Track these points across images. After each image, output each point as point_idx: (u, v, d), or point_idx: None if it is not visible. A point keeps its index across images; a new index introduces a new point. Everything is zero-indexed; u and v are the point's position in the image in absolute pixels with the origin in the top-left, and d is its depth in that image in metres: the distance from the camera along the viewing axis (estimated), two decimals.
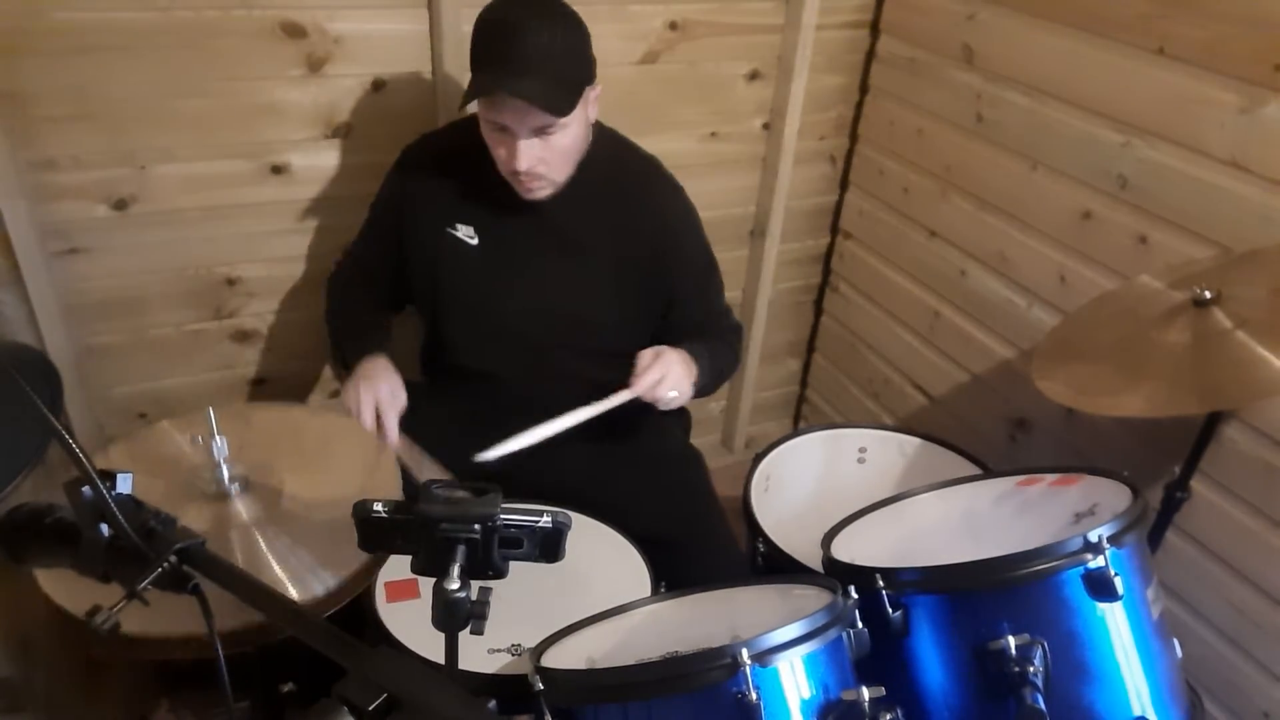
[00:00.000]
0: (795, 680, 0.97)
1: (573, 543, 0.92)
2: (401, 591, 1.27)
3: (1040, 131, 1.71)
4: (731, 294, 2.25)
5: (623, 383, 1.38)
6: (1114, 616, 1.04)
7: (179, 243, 1.67)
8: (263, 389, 1.89)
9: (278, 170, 1.68)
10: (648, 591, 1.31)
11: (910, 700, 1.11)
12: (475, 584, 0.87)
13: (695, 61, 1.92)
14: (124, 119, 1.53)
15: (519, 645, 1.21)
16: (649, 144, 1.57)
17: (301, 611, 0.78)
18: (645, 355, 1.39)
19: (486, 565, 0.88)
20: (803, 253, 2.35)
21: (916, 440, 1.69)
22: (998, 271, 1.87)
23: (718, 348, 1.57)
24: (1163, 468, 1.50)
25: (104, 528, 0.79)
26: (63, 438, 0.75)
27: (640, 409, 1.68)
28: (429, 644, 1.15)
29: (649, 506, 1.53)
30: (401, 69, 1.68)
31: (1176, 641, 1.11)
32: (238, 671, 0.89)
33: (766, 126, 2.08)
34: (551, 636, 1.16)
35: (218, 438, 1.15)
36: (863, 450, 1.73)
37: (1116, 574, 1.01)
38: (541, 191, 1.39)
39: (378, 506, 0.88)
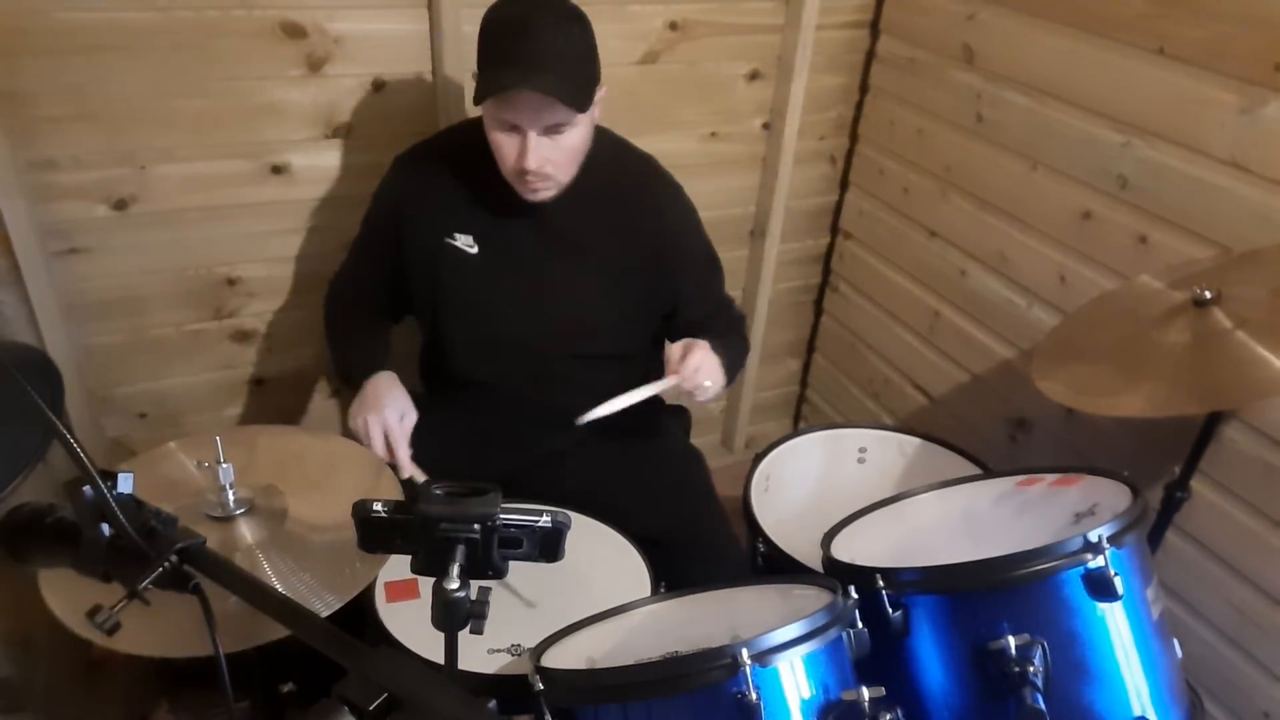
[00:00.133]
0: (795, 680, 0.97)
1: (573, 543, 0.92)
2: (401, 591, 1.27)
3: (1040, 131, 1.71)
4: (732, 294, 2.25)
5: (656, 372, 1.38)
6: (1114, 616, 1.04)
7: (179, 243, 1.67)
8: (263, 389, 1.89)
9: (278, 170, 1.68)
10: (648, 591, 1.31)
11: (910, 700, 1.11)
12: (475, 584, 0.87)
13: (695, 61, 1.92)
14: (124, 119, 1.53)
15: (519, 645, 1.21)
16: (649, 144, 1.57)
17: (301, 611, 0.78)
18: (676, 348, 1.38)
19: (486, 565, 0.88)
20: (803, 253, 2.35)
21: (916, 440, 1.69)
22: (998, 271, 1.87)
23: (730, 339, 1.57)
24: (1163, 468, 1.50)
25: (105, 527, 0.80)
26: (64, 437, 0.75)
27: (640, 409, 1.69)
28: (429, 644, 1.15)
29: (649, 506, 1.53)
30: (401, 69, 1.68)
31: (1176, 641, 1.11)
32: (238, 671, 0.89)
33: (766, 126, 2.08)
34: (551, 636, 1.16)
35: (224, 463, 1.16)
36: (863, 450, 1.73)
37: (1116, 574, 1.01)
38: (546, 192, 1.38)
39: (377, 506, 0.88)
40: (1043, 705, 0.99)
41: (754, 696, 0.92)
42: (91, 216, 1.59)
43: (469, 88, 1.71)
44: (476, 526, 0.86)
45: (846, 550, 1.25)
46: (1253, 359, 1.17)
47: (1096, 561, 1.02)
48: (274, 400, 1.91)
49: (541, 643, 1.14)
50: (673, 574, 1.35)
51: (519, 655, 1.20)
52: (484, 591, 0.89)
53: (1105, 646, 1.04)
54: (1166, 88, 1.48)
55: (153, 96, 1.53)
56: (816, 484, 1.70)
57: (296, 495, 1.24)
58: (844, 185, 2.28)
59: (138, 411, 1.80)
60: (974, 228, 1.91)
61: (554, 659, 1.11)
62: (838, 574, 1.18)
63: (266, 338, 1.84)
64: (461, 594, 0.85)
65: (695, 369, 1.35)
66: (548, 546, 0.90)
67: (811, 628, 0.99)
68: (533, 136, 1.29)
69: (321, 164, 1.71)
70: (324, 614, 1.06)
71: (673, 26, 1.86)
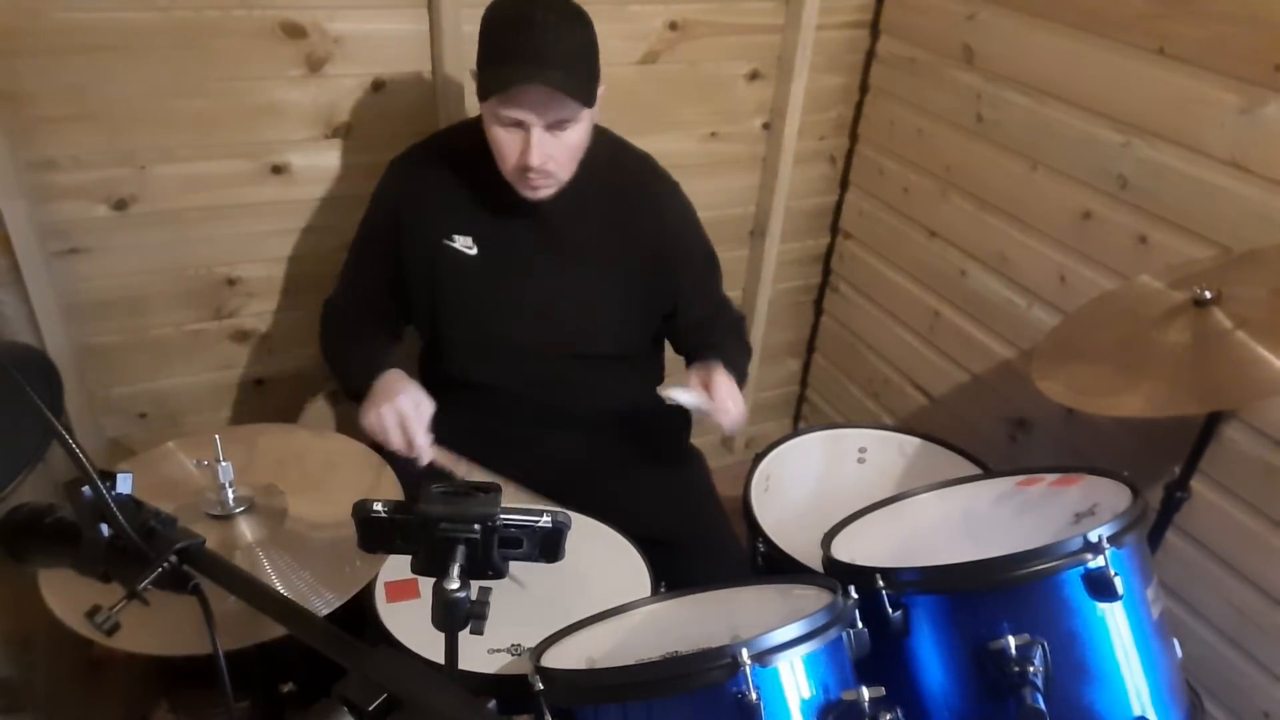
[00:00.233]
0: (795, 680, 0.97)
1: (573, 543, 0.92)
2: (401, 591, 1.27)
3: (1040, 131, 1.71)
4: (731, 294, 2.25)
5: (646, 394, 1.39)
6: (1114, 616, 1.04)
7: (179, 243, 1.67)
8: (262, 389, 1.89)
9: (278, 170, 1.68)
10: (648, 591, 1.31)
11: (910, 700, 1.11)
12: (475, 584, 0.87)
13: (695, 61, 1.92)
14: (124, 119, 1.53)
15: (519, 645, 1.21)
16: (649, 144, 1.57)
17: (301, 611, 0.78)
18: (696, 374, 1.37)
19: (486, 565, 0.88)
20: (803, 253, 2.35)
21: (916, 440, 1.69)
22: (998, 271, 1.87)
23: (735, 350, 1.58)
24: (1163, 468, 1.50)
25: (104, 528, 0.80)
26: (63, 438, 0.75)
27: (639, 408, 1.69)
28: (429, 644, 1.15)
29: (649, 506, 1.53)
30: (401, 69, 1.68)
31: (1176, 641, 1.11)
32: (238, 671, 0.89)
33: (766, 126, 2.08)
34: (551, 636, 1.16)
35: (223, 461, 1.16)
36: (863, 450, 1.72)
37: (1116, 574, 1.01)
38: (546, 190, 1.38)
39: (377, 506, 0.88)
40: (1043, 705, 0.99)
41: (754, 696, 0.92)
42: (91, 216, 1.59)
43: (469, 87, 1.72)
44: (476, 526, 0.86)
45: (846, 550, 1.25)
46: (1253, 359, 1.17)
47: (1096, 561, 1.02)
48: (274, 400, 1.91)
49: (541, 643, 1.14)
50: (673, 574, 1.35)
51: (519, 655, 1.20)
52: (484, 591, 0.88)
53: (1105, 646, 1.04)
54: (1166, 88, 1.47)
55: (153, 96, 1.53)
56: (816, 484, 1.70)
57: (296, 494, 1.24)
58: (844, 185, 2.28)
59: (137, 411, 1.80)
60: (974, 228, 1.91)
61: (554, 659, 1.11)
62: (838, 574, 1.18)
63: (266, 338, 1.84)
64: (461, 594, 0.85)
65: (725, 397, 1.36)
66: (548, 546, 0.90)
67: (811, 628, 0.98)
68: (536, 133, 1.29)
69: (321, 164, 1.71)
70: (323, 613, 1.06)
71: (673, 26, 1.86)
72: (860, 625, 1.07)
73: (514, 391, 1.54)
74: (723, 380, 1.37)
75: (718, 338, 1.58)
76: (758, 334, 2.33)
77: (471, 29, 1.45)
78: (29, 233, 1.51)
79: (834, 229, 2.34)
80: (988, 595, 1.07)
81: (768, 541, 1.45)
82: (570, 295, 1.50)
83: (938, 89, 1.93)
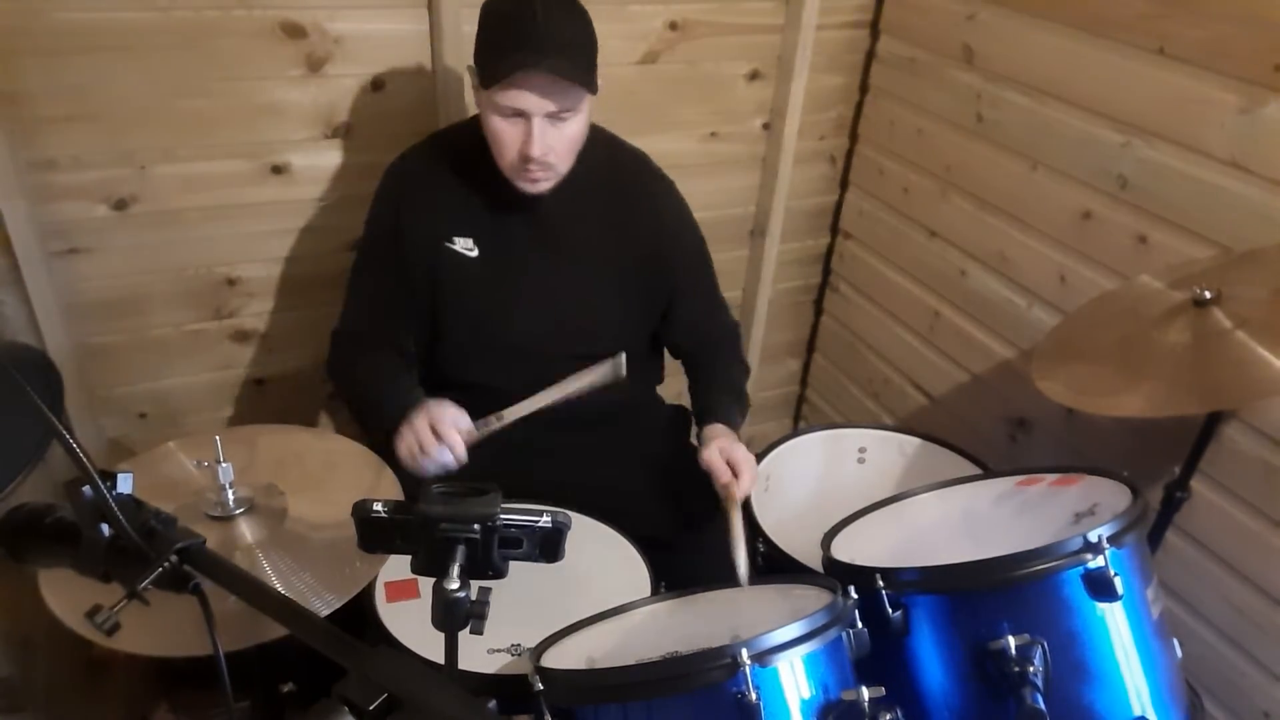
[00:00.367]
0: (795, 680, 0.97)
1: (573, 543, 0.92)
2: (401, 591, 1.27)
3: (1040, 131, 1.71)
4: (731, 294, 2.25)
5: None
6: (1114, 616, 1.04)
7: (179, 243, 1.67)
8: (262, 389, 1.89)
9: (278, 170, 1.68)
10: (648, 591, 1.31)
11: (910, 700, 1.11)
12: (475, 584, 0.87)
13: (695, 61, 1.92)
14: (124, 119, 1.53)
15: (519, 645, 1.21)
16: (649, 144, 1.57)
17: (301, 611, 0.78)
18: (719, 464, 1.38)
19: (486, 565, 0.88)
20: (803, 253, 2.35)
21: (916, 440, 1.69)
22: (998, 271, 1.87)
23: (735, 376, 1.59)
24: (1163, 468, 1.50)
25: (104, 527, 0.80)
26: (63, 437, 0.75)
27: (639, 408, 1.69)
28: (429, 644, 1.15)
29: (649, 506, 1.53)
30: (401, 69, 1.68)
31: (1176, 641, 1.11)
32: (238, 671, 0.89)
33: (766, 126, 2.08)
34: (551, 636, 1.16)
35: (223, 462, 1.16)
36: (863, 450, 1.72)
37: (1116, 574, 1.01)
38: (545, 184, 1.37)
39: (377, 506, 0.88)
40: (1043, 705, 0.99)
41: (754, 696, 0.92)
42: (91, 216, 1.59)
43: (470, 87, 1.72)
44: (476, 527, 0.86)
45: (846, 550, 1.25)
46: (1253, 359, 1.17)
47: (1096, 561, 1.02)
48: (274, 400, 1.91)
49: (541, 643, 1.14)
50: (673, 574, 1.35)
51: (519, 655, 1.20)
52: (484, 592, 0.89)
53: (1105, 646, 1.04)
54: (1166, 88, 1.47)
55: (153, 96, 1.53)
56: (816, 484, 1.70)
57: (296, 494, 1.24)
58: (844, 185, 2.28)
59: (138, 411, 1.80)
60: (974, 228, 1.91)
61: (554, 659, 1.11)
62: (838, 574, 1.18)
63: (266, 338, 1.84)
64: (461, 594, 0.85)
65: (746, 476, 1.37)
66: (548, 546, 0.90)
67: (811, 628, 0.99)
68: (537, 122, 1.29)
69: (321, 164, 1.71)
70: (324, 613, 1.06)
71: (673, 26, 1.86)
72: (860, 625, 1.07)
73: (512, 391, 1.53)
74: (747, 466, 1.38)
75: (722, 366, 1.59)
76: (758, 334, 2.33)
77: (471, 29, 1.45)
78: (29, 233, 1.51)
79: (834, 229, 2.34)
80: (988, 595, 1.07)
81: (768, 541, 1.45)
82: (569, 295, 1.50)
83: (938, 89, 1.93)
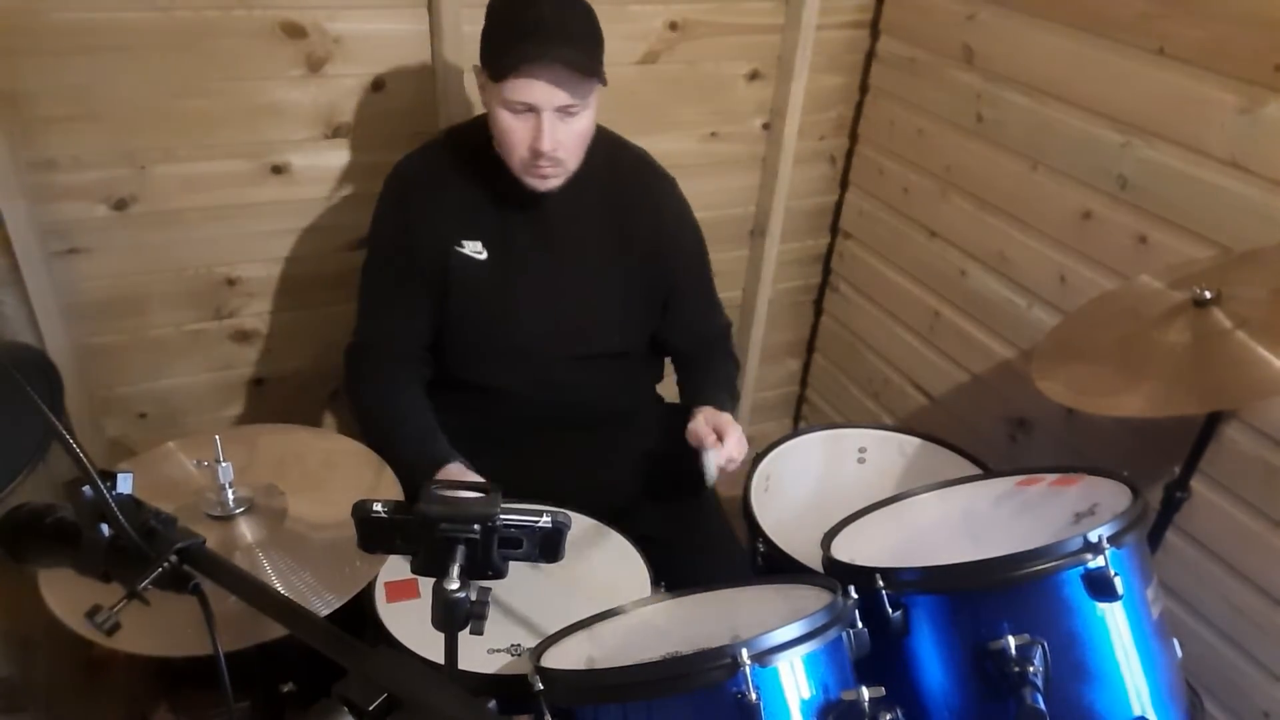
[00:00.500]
0: (795, 680, 0.97)
1: (573, 543, 0.92)
2: (401, 591, 1.27)
3: (1040, 131, 1.71)
4: (731, 294, 2.26)
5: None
6: (1114, 616, 1.04)
7: (179, 243, 1.67)
8: (262, 389, 1.89)
9: (278, 170, 1.68)
10: (648, 591, 1.31)
11: (910, 700, 1.10)
12: (475, 584, 0.87)
13: (695, 61, 1.92)
14: (124, 119, 1.53)
15: (519, 645, 1.21)
16: (649, 144, 1.57)
17: (301, 611, 0.78)
18: (705, 428, 1.38)
19: (486, 565, 0.88)
20: (803, 253, 2.35)
21: (916, 440, 1.69)
22: (998, 271, 1.87)
23: (727, 371, 1.60)
24: (1163, 468, 1.50)
25: (104, 527, 0.80)
26: (63, 438, 0.75)
27: (639, 407, 1.69)
28: (429, 644, 1.15)
29: (649, 506, 1.53)
30: (401, 69, 1.68)
31: (1176, 641, 1.11)
32: (238, 671, 0.89)
33: (766, 126, 2.08)
34: (551, 636, 1.16)
35: (223, 462, 1.16)
36: (863, 450, 1.72)
37: (1116, 574, 1.01)
38: (555, 180, 1.37)
39: (377, 506, 0.88)
40: (1043, 705, 0.99)
41: (754, 696, 0.92)
42: (91, 216, 1.59)
43: (471, 86, 1.72)
44: (476, 527, 0.86)
45: (846, 550, 1.25)
46: (1253, 359, 1.17)
47: (1096, 561, 1.02)
48: (274, 400, 1.91)
49: (541, 643, 1.14)
50: (673, 574, 1.35)
51: (519, 655, 1.20)
52: (484, 592, 0.88)
53: (1105, 646, 1.04)
54: (1166, 88, 1.47)
55: (153, 96, 1.54)
56: (816, 484, 1.70)
57: (296, 494, 1.24)
58: (844, 185, 2.28)
59: (138, 411, 1.80)
60: (974, 228, 1.91)
61: (554, 659, 1.11)
62: (838, 574, 1.18)
63: (266, 338, 1.84)
64: (461, 594, 0.85)
65: (734, 446, 1.38)
66: (548, 546, 0.90)
67: (811, 628, 0.98)
68: (547, 117, 1.28)
69: (321, 164, 1.71)
70: (324, 613, 1.06)
71: (673, 26, 1.86)
72: (860, 625, 1.07)
73: (514, 391, 1.54)
74: (733, 429, 1.39)
75: (716, 363, 1.60)
76: (758, 334, 2.33)
77: (471, 29, 1.45)
78: (29, 233, 1.51)
79: (834, 229, 2.34)
80: (988, 595, 1.07)
81: (768, 541, 1.45)
82: (574, 295, 1.50)
83: (938, 89, 1.93)
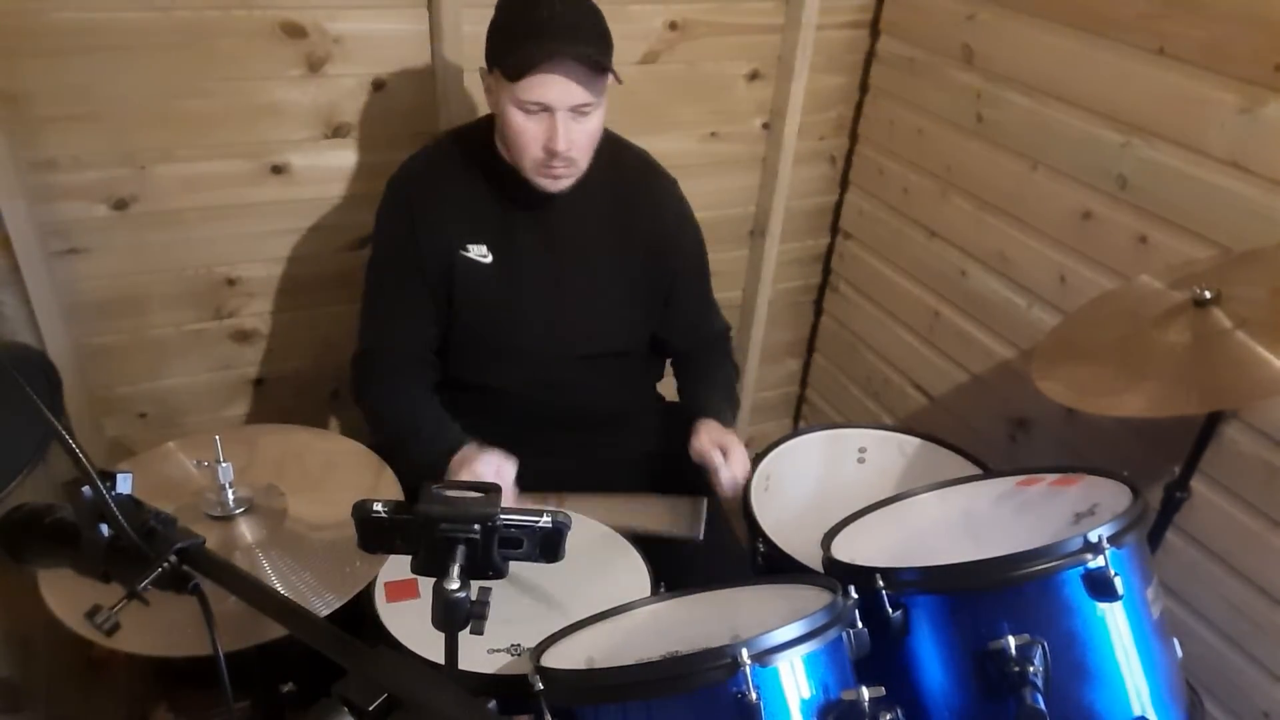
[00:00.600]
0: (795, 680, 0.97)
1: (573, 543, 0.92)
2: (401, 591, 1.27)
3: (1040, 131, 1.71)
4: (732, 294, 2.26)
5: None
6: (1114, 616, 1.04)
7: (179, 243, 1.67)
8: (263, 389, 1.89)
9: (278, 170, 1.68)
10: (648, 591, 1.31)
11: (910, 700, 1.10)
12: (475, 584, 0.87)
13: (695, 61, 1.92)
14: (124, 119, 1.53)
15: (519, 645, 1.21)
16: (649, 144, 1.57)
17: (301, 611, 0.78)
18: (711, 449, 1.40)
19: (486, 565, 0.88)
20: (803, 253, 2.35)
21: (916, 440, 1.69)
22: (998, 271, 1.87)
23: (726, 376, 1.60)
24: (1163, 468, 1.50)
25: (104, 528, 0.80)
26: (63, 438, 0.75)
27: (639, 407, 1.69)
28: (429, 644, 1.15)
29: (649, 506, 1.53)
30: (401, 69, 1.68)
31: (1176, 641, 1.11)
32: (238, 671, 0.89)
33: (766, 126, 2.08)
34: (551, 636, 1.16)
35: (223, 462, 1.16)
36: (863, 450, 1.72)
37: (1116, 574, 1.01)
38: (567, 180, 1.36)
39: (377, 506, 0.88)
40: (1043, 705, 0.99)
41: (754, 696, 0.92)
42: (91, 216, 1.59)
43: (472, 86, 1.72)
44: (476, 527, 0.86)
45: (846, 550, 1.25)
46: (1253, 359, 1.17)
47: (1096, 561, 1.02)
48: (274, 400, 1.91)
49: (541, 643, 1.14)
50: (673, 574, 1.35)
51: (519, 655, 1.20)
52: (484, 592, 0.88)
53: (1105, 646, 1.04)
54: (1166, 88, 1.47)
55: (153, 96, 1.54)
56: (816, 484, 1.70)
57: (296, 494, 1.24)
58: (844, 185, 2.28)
59: (138, 411, 1.80)
60: (974, 228, 1.91)
61: (554, 659, 1.11)
62: (838, 574, 1.18)
63: (266, 338, 1.84)
64: (461, 594, 0.85)
65: (737, 463, 1.40)
66: (548, 546, 0.90)
67: (811, 628, 0.98)
68: (562, 116, 1.28)
69: (321, 164, 1.71)
70: (323, 613, 1.06)
71: (673, 26, 1.86)
72: (860, 625, 1.07)
73: (515, 391, 1.54)
74: (737, 448, 1.40)
75: (715, 367, 1.61)
76: (758, 334, 2.33)
77: (471, 29, 1.46)
78: (29, 233, 1.51)
79: (834, 229, 2.34)
80: (988, 595, 1.07)
81: (768, 541, 1.45)
82: (577, 296, 1.50)
83: (938, 89, 1.93)
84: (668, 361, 1.72)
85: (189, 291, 1.72)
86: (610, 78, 1.31)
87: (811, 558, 1.31)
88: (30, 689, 1.48)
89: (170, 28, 1.49)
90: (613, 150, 1.50)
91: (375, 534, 0.90)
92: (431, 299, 1.45)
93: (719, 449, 1.40)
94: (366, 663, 0.69)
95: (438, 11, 1.62)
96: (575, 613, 1.21)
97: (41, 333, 1.58)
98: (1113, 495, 1.15)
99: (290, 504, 1.22)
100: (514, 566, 0.90)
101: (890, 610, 1.10)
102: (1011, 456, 1.89)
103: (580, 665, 1.10)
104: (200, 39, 1.52)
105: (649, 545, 1.42)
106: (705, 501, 1.41)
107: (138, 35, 1.48)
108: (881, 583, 1.11)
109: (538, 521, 0.89)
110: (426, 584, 0.87)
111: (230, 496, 1.18)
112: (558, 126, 1.28)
